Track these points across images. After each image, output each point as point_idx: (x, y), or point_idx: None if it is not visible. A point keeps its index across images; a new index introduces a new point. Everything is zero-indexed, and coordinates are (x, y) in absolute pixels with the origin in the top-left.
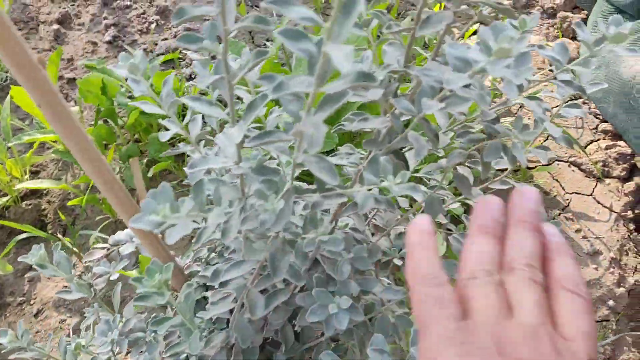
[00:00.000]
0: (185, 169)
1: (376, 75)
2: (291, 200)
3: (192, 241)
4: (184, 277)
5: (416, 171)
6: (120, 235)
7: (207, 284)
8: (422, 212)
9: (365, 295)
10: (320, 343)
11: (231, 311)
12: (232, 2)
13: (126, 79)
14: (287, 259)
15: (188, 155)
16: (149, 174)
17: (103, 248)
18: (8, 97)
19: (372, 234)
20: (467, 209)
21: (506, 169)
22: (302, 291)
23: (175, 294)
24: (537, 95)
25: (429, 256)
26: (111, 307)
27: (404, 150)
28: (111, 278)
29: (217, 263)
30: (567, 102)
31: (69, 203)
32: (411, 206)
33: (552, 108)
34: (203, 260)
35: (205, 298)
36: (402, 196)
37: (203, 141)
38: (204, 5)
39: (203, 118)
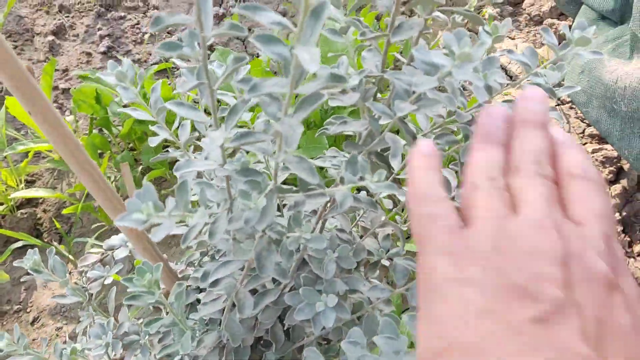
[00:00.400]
0: (175, 172)
1: (352, 79)
2: (274, 199)
3: (187, 247)
4: (176, 280)
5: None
6: (114, 240)
7: (200, 286)
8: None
9: (353, 294)
10: (310, 342)
11: (223, 312)
12: (209, 10)
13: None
14: (272, 258)
15: (178, 161)
16: (143, 182)
17: (97, 253)
18: (3, 107)
19: (361, 236)
20: None
21: None
22: (290, 291)
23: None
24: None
25: (428, 177)
26: (107, 312)
27: (386, 152)
28: (105, 282)
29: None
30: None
31: (64, 211)
32: (395, 206)
33: None
34: (196, 264)
35: (199, 300)
36: (387, 197)
37: (192, 146)
38: (181, 14)
39: (192, 124)
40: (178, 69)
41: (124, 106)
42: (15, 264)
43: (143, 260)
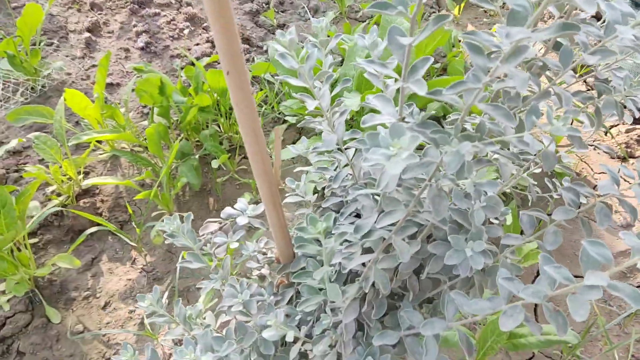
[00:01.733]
0: (362, 125)
1: None
2: (463, 145)
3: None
4: (292, 252)
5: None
6: (230, 210)
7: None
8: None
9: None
10: (443, 290)
11: (363, 265)
12: None
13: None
14: (445, 202)
15: (241, 154)
16: (214, 165)
17: (216, 221)
18: (61, 100)
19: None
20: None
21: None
22: (428, 242)
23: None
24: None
25: None
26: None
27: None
28: (231, 246)
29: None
30: None
31: (136, 197)
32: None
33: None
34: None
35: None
36: None
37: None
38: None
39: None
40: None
41: (274, 76)
42: (158, 227)
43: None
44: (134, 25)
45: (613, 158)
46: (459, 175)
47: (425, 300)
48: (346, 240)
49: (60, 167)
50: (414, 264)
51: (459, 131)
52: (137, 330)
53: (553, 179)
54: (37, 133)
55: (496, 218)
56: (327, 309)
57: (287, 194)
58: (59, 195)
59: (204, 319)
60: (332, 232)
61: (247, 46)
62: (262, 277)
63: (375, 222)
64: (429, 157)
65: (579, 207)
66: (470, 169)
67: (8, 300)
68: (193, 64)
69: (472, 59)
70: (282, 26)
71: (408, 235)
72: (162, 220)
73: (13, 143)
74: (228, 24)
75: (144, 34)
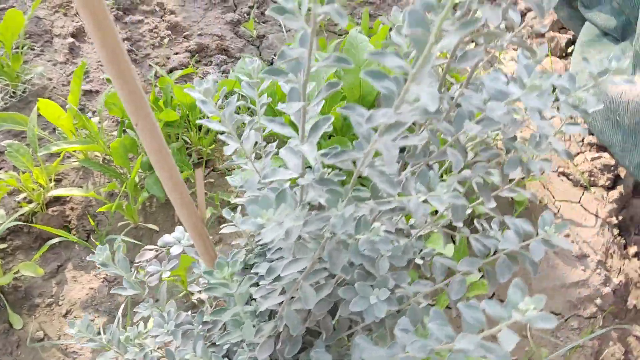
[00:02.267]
0: (263, 180)
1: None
2: (353, 207)
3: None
4: None
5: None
6: (167, 238)
7: (259, 282)
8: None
9: (397, 289)
10: (356, 331)
11: (279, 304)
12: (314, 45)
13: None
14: (342, 256)
15: (209, 167)
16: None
17: (152, 249)
18: (35, 109)
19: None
20: (472, 214)
21: (512, 179)
22: (340, 286)
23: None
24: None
25: None
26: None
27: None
28: (163, 276)
29: (255, 262)
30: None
31: (99, 210)
32: (436, 212)
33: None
34: (241, 261)
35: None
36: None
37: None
38: (297, 48)
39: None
40: (197, 75)
41: (200, 118)
42: (88, 258)
43: (219, 256)
44: (117, 32)
45: (576, 186)
46: (356, 230)
47: (343, 339)
48: (262, 279)
49: (32, 174)
50: (325, 306)
51: (348, 193)
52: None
53: (482, 221)
54: (9, 141)
55: (422, 258)
56: (244, 344)
57: (222, 225)
58: (30, 202)
59: (145, 339)
60: (252, 270)
61: (225, 57)
62: (201, 302)
63: (282, 268)
64: (325, 213)
65: (487, 256)
66: (367, 225)
67: None
68: (171, 72)
69: (355, 129)
70: (261, 37)
71: (323, 277)
72: (124, 230)
73: None
74: (128, 79)
75: (125, 41)
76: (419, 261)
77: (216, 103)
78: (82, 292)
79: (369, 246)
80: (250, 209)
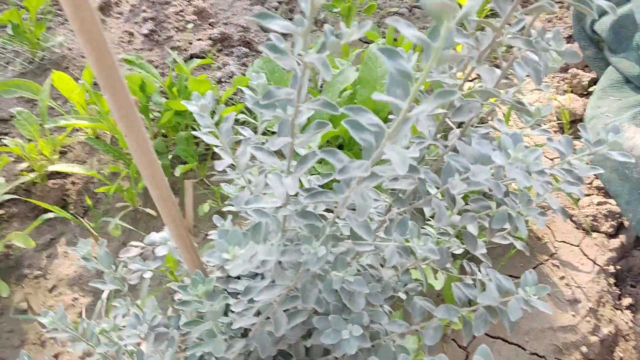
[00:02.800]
0: (244, 206)
1: (412, 151)
2: (329, 245)
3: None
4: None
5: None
6: (154, 237)
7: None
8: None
9: (372, 325)
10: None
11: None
12: (305, 85)
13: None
14: (315, 290)
15: (215, 158)
16: (176, 173)
17: (137, 246)
18: (48, 80)
19: (381, 265)
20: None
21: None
22: (317, 314)
23: None
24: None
25: None
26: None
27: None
28: (144, 276)
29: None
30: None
31: (97, 190)
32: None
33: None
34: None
35: (227, 305)
36: None
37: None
38: (284, 88)
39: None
40: (216, 63)
41: (193, 129)
42: (70, 251)
43: (195, 270)
44: (143, 11)
45: (578, 228)
46: (333, 267)
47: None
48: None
49: (37, 144)
50: (299, 332)
51: (324, 233)
52: (77, 318)
53: (471, 263)
54: (19, 109)
55: (406, 292)
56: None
57: (211, 232)
58: (31, 171)
59: (121, 331)
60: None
61: (247, 50)
62: (184, 303)
63: (257, 292)
64: (302, 246)
65: (470, 304)
66: (343, 265)
67: None
68: (192, 58)
69: (338, 174)
70: (285, 35)
71: (300, 303)
72: (122, 212)
73: None
74: (120, 94)
75: (150, 20)
76: (402, 296)
77: (228, 98)
78: (70, 268)
79: (345, 285)
80: (218, 244)
